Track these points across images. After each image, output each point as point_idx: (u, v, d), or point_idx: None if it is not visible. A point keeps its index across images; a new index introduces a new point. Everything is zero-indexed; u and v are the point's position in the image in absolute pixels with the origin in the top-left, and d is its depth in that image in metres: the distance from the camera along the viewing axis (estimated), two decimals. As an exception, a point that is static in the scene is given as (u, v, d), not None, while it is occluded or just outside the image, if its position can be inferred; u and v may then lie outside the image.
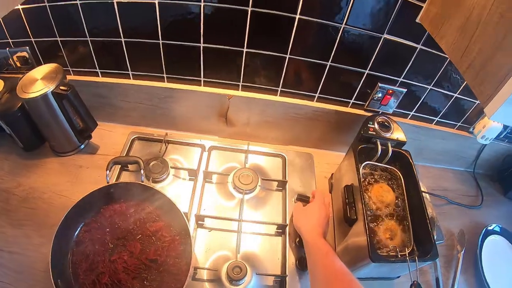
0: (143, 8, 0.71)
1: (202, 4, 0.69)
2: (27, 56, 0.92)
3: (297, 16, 0.67)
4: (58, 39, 0.84)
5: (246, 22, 0.70)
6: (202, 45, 0.76)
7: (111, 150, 0.90)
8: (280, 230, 0.78)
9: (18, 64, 0.95)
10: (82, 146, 0.93)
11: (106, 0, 0.72)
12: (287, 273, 0.72)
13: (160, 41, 0.77)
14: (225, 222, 0.77)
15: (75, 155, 0.93)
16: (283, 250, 0.76)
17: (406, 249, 0.72)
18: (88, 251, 0.71)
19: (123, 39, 0.79)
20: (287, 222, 0.78)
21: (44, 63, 0.92)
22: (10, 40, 0.91)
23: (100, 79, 0.87)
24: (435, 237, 0.85)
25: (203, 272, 0.72)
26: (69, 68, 0.90)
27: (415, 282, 0.65)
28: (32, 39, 0.88)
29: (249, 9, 0.67)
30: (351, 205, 0.74)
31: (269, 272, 0.73)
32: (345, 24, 0.68)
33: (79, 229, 0.74)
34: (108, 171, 0.76)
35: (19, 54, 0.94)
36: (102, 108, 0.89)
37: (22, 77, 0.87)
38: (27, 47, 0.90)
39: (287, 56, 0.75)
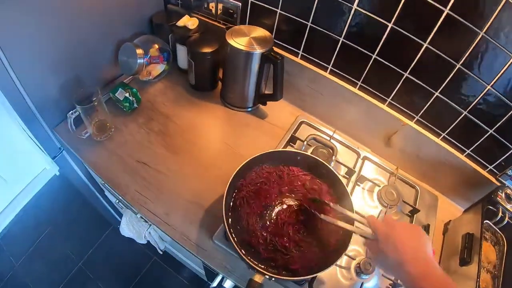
0: (376, 24, 0.80)
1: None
2: (233, 10, 1.00)
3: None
4: (278, 11, 0.92)
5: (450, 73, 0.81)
6: (406, 74, 0.87)
7: (278, 122, 0.99)
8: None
9: (219, 13, 1.03)
10: (250, 109, 1.01)
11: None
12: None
13: (374, 56, 0.87)
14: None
15: (241, 112, 1.01)
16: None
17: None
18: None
19: (341, 39, 0.89)
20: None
21: (248, 24, 1.00)
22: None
23: (298, 60, 0.97)
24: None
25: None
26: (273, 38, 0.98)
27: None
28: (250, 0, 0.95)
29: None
30: (469, 250, 0.87)
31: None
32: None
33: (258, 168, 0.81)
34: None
35: (226, 5, 1.00)
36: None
37: (230, 27, 0.94)
38: (240, 4, 0.97)
39: (464, 112, 0.87)
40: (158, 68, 1.04)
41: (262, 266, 0.68)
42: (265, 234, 0.74)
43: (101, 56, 0.98)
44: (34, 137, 0.93)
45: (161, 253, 1.15)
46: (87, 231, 1.57)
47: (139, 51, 0.95)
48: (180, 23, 0.99)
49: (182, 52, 1.02)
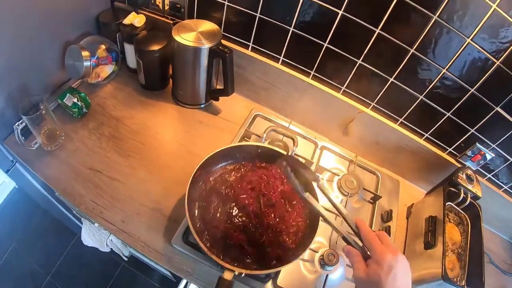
0: (327, 12, 0.78)
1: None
2: (180, 5, 0.96)
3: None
4: (226, 3, 0.89)
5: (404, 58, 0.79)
6: (359, 61, 0.85)
7: (232, 117, 0.97)
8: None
9: (166, 8, 0.99)
10: (203, 105, 0.98)
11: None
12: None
13: (325, 44, 0.85)
14: (329, 213, 0.86)
15: (194, 110, 0.98)
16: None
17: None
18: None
19: (291, 29, 0.86)
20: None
21: (196, 18, 0.96)
22: (168, -16, 0.93)
23: (248, 52, 0.94)
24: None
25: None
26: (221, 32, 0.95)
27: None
28: (196, -7, 0.90)
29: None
30: (433, 233, 0.87)
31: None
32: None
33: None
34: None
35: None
36: (234, 76, 0.95)
37: (177, 22, 0.91)
38: (187, -3, 0.93)
39: (421, 97, 0.86)
40: (107, 70, 1.00)
41: (229, 263, 0.66)
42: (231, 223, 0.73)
43: (48, 60, 0.93)
44: (-17, 151, 0.89)
45: (126, 259, 1.13)
46: (52, 243, 1.52)
47: (85, 53, 0.90)
48: (127, 21, 0.95)
49: (130, 51, 0.98)
